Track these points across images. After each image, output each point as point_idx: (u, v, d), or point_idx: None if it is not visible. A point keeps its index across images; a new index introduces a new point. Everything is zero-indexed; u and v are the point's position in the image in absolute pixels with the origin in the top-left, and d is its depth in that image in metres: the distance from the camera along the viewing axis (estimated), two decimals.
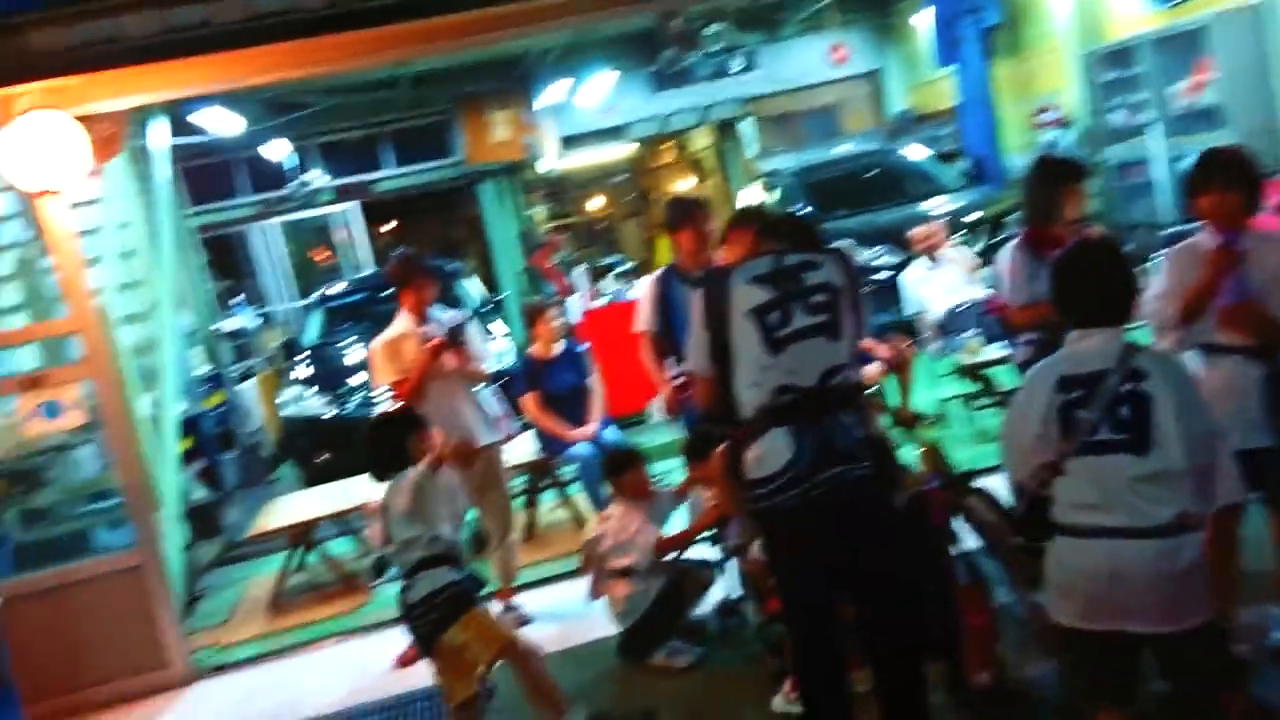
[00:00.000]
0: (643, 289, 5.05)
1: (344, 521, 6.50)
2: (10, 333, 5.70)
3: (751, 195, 11.78)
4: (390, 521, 3.25)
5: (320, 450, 8.35)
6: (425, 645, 3.15)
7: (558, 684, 3.62)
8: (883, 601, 3.05)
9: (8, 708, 3.96)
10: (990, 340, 6.24)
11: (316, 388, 8.64)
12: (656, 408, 5.05)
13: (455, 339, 4.81)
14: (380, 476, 3.29)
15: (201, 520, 7.70)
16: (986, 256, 7.29)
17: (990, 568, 3.66)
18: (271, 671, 5.16)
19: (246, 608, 6.24)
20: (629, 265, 11.92)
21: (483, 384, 5.09)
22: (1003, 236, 7.93)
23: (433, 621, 3.09)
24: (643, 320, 4.84)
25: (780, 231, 3.26)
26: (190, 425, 8.96)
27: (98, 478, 6.32)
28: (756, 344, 2.96)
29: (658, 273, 4.96)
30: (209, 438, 9.34)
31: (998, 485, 3.27)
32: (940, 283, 7.06)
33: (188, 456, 8.74)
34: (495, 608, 4.86)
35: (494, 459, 5.01)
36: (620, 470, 4.53)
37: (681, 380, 4.45)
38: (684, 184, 16.47)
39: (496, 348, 8.64)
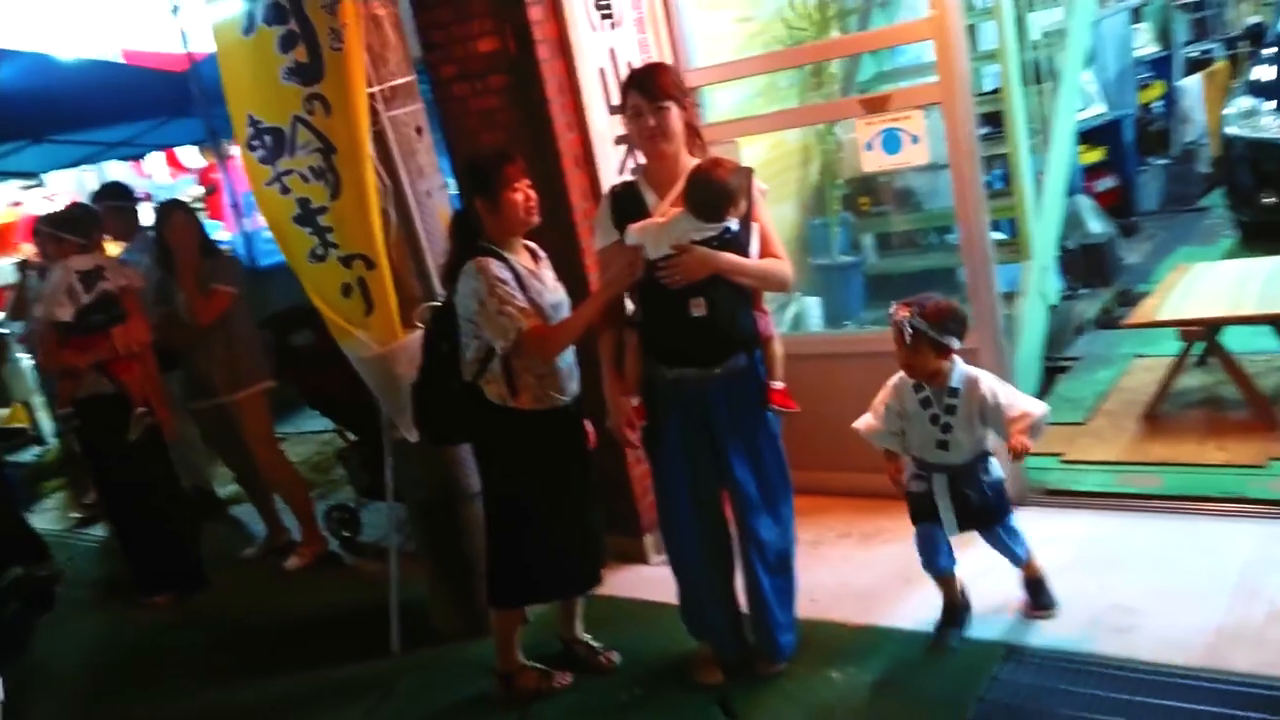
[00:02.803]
0: None
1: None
2: (856, 37, 4.66)
3: None
4: None
5: (1267, 189, 6.10)
6: None
7: None
8: None
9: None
10: None
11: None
12: None
13: None
14: None
15: (1090, 261, 6.24)
16: None
17: None
18: (1116, 535, 3.72)
19: (1115, 403, 4.81)
20: None
21: None
22: None
23: None
24: None
25: None
26: (1103, 132, 7.34)
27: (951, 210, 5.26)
28: None
29: None
30: (1128, 147, 7.61)
31: None
32: None
33: (1092, 172, 7.22)
34: None
35: None
36: None
37: None
38: None
39: None
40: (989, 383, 3.06)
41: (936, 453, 3.14)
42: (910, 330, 2.95)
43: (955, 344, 3.02)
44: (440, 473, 3.76)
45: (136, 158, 10.09)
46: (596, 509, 3.49)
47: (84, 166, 8.94)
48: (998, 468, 3.20)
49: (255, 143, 3.54)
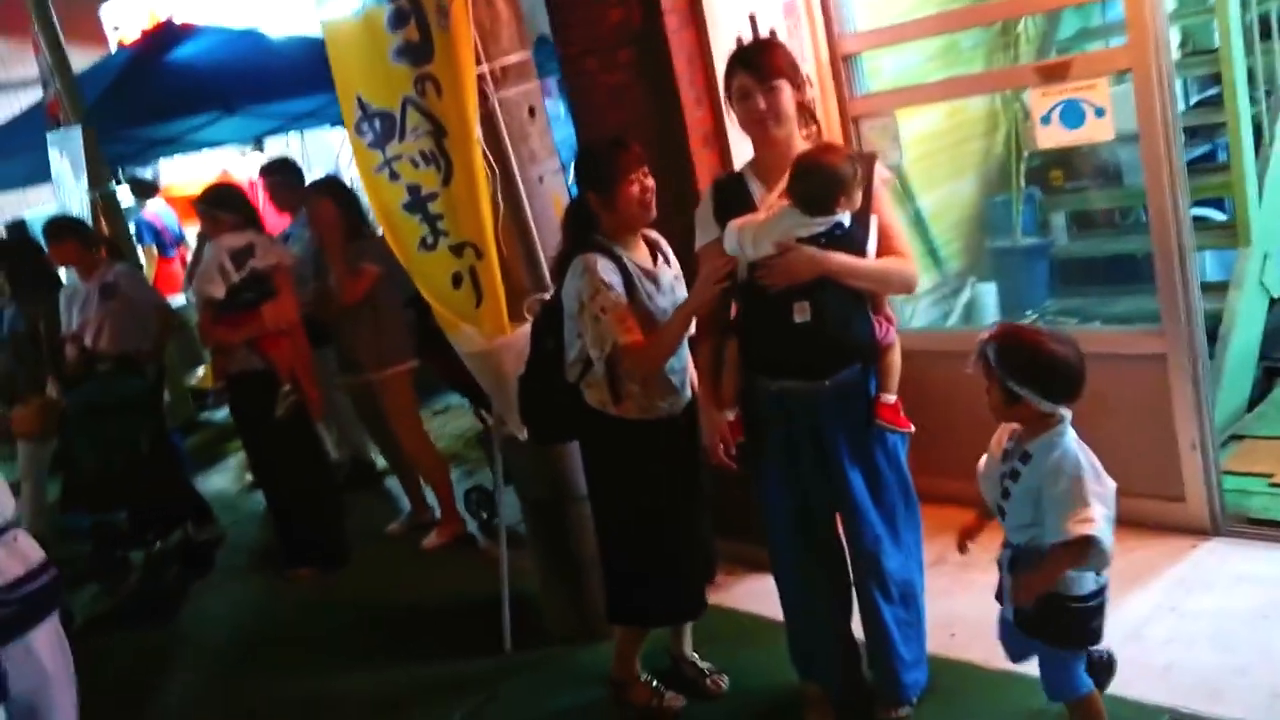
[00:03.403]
0: None
1: None
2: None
3: None
4: None
5: None
6: None
7: None
8: None
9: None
10: None
11: None
12: None
13: None
14: None
15: None
16: None
17: None
18: None
19: None
20: None
21: None
22: None
23: None
24: None
25: None
26: None
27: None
28: None
29: None
30: None
31: None
32: None
33: None
34: None
35: None
36: None
37: None
38: None
39: None
40: (1068, 465, 2.32)
41: (1000, 517, 2.54)
42: (975, 355, 2.38)
43: (1038, 403, 2.32)
44: (550, 470, 3.59)
45: (338, 124, 10.42)
46: (708, 522, 3.23)
47: (279, 135, 9.29)
48: (1089, 579, 2.41)
49: (364, 126, 3.42)
